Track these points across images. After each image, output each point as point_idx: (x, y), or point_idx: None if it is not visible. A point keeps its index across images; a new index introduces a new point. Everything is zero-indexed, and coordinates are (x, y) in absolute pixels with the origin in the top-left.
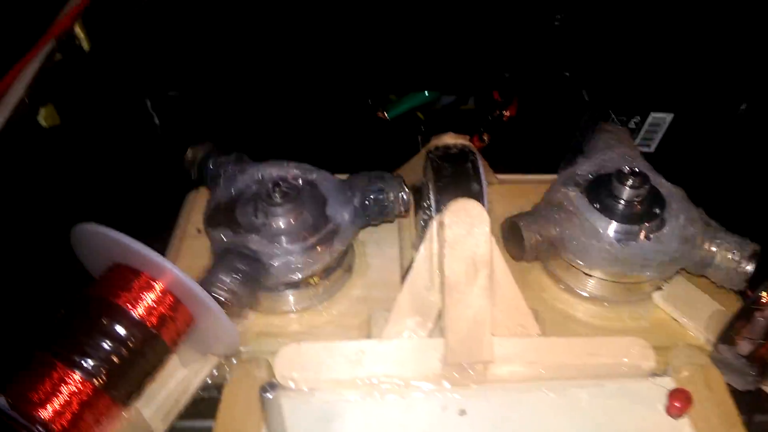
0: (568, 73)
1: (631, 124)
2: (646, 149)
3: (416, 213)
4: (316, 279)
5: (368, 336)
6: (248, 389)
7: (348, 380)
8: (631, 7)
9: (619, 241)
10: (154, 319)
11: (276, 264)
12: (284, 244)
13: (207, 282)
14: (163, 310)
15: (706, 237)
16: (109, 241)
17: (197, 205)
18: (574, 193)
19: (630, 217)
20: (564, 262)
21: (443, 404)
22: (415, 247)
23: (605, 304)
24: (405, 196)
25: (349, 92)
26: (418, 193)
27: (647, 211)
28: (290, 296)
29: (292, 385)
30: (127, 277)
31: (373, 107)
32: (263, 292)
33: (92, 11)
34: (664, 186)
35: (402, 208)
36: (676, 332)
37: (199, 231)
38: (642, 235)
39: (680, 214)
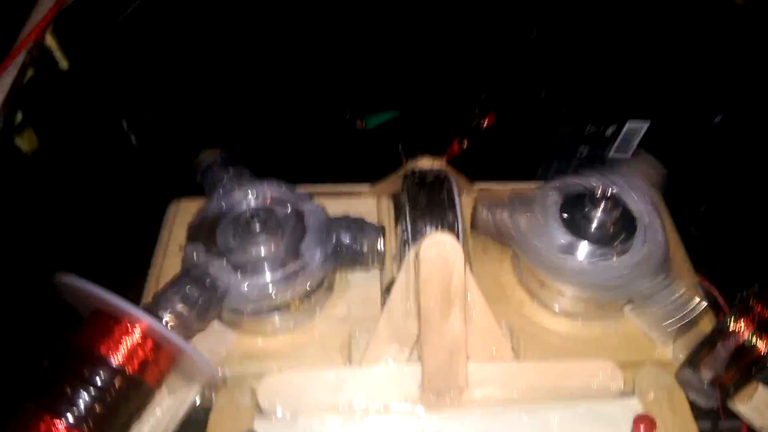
0: (545, 90)
1: (608, 133)
2: (622, 155)
3: (396, 225)
4: (296, 302)
5: (349, 357)
6: (233, 416)
7: (329, 406)
8: (608, 18)
9: (567, 252)
10: (135, 365)
11: (230, 294)
12: (246, 275)
13: (156, 303)
14: (143, 355)
15: (656, 277)
16: (87, 292)
17: (179, 217)
18: (551, 199)
19: (588, 236)
20: (538, 280)
21: (420, 428)
22: (395, 259)
23: (578, 319)
24: (380, 250)
25: (327, 106)
26: (400, 205)
27: (609, 236)
28: (273, 318)
29: (278, 413)
30: (107, 324)
31: (352, 118)
32: (247, 315)
33: (64, 25)
34: (650, 217)
35: (376, 259)
36: (645, 347)
37: (181, 248)
38: (585, 255)
39: (644, 250)
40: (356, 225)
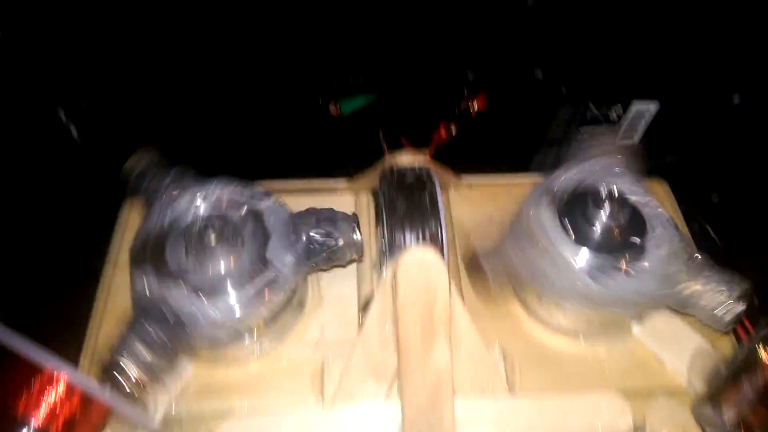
0: (541, 69)
1: (612, 116)
2: (629, 141)
3: (377, 225)
4: (260, 324)
5: (321, 390)
6: None
7: None
8: None
9: (593, 276)
10: (59, 424)
11: (201, 326)
12: (213, 299)
13: (116, 353)
14: (70, 412)
15: (690, 273)
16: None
17: (133, 220)
18: (547, 217)
19: (606, 248)
20: (535, 292)
21: None
22: (375, 268)
23: (580, 338)
24: (358, 241)
25: (294, 88)
26: (378, 207)
27: (626, 241)
28: (234, 345)
29: None
30: (26, 376)
31: (324, 103)
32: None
33: None
34: (648, 206)
35: (354, 255)
36: (657, 372)
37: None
38: (619, 271)
39: (663, 244)
40: (327, 218)
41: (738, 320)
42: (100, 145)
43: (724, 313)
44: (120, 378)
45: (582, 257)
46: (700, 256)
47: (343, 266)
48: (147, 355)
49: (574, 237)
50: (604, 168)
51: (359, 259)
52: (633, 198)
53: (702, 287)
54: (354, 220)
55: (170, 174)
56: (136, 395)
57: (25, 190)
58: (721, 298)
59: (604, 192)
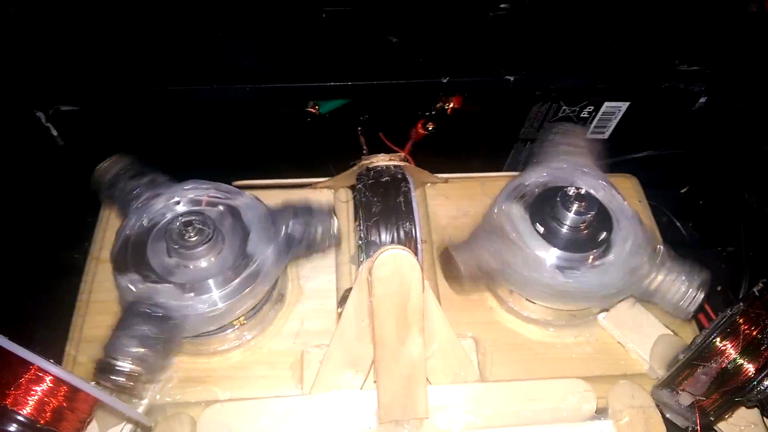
0: (513, 76)
1: (584, 113)
2: (599, 136)
3: (355, 220)
4: (242, 319)
5: (301, 378)
6: None
7: None
8: None
9: (560, 270)
10: (47, 415)
11: (189, 319)
12: (199, 294)
13: (109, 353)
14: (57, 403)
15: (652, 265)
16: None
17: (113, 217)
18: (517, 214)
19: (573, 244)
20: (507, 287)
21: None
22: (354, 261)
23: (550, 328)
24: (335, 230)
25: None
26: (355, 204)
27: (592, 237)
28: (216, 336)
29: None
30: (14, 370)
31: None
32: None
33: None
34: (614, 202)
35: (332, 242)
36: (620, 358)
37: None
38: (585, 266)
39: (627, 239)
40: (304, 210)
41: (700, 309)
42: (83, 145)
43: (687, 304)
44: (116, 376)
45: (550, 253)
46: (663, 248)
47: (322, 253)
48: (140, 351)
49: (542, 233)
50: (573, 166)
51: (338, 246)
52: (599, 194)
53: (664, 279)
54: (330, 213)
55: (142, 179)
56: (131, 389)
57: (11, 187)
58: (682, 289)
59: (571, 190)
